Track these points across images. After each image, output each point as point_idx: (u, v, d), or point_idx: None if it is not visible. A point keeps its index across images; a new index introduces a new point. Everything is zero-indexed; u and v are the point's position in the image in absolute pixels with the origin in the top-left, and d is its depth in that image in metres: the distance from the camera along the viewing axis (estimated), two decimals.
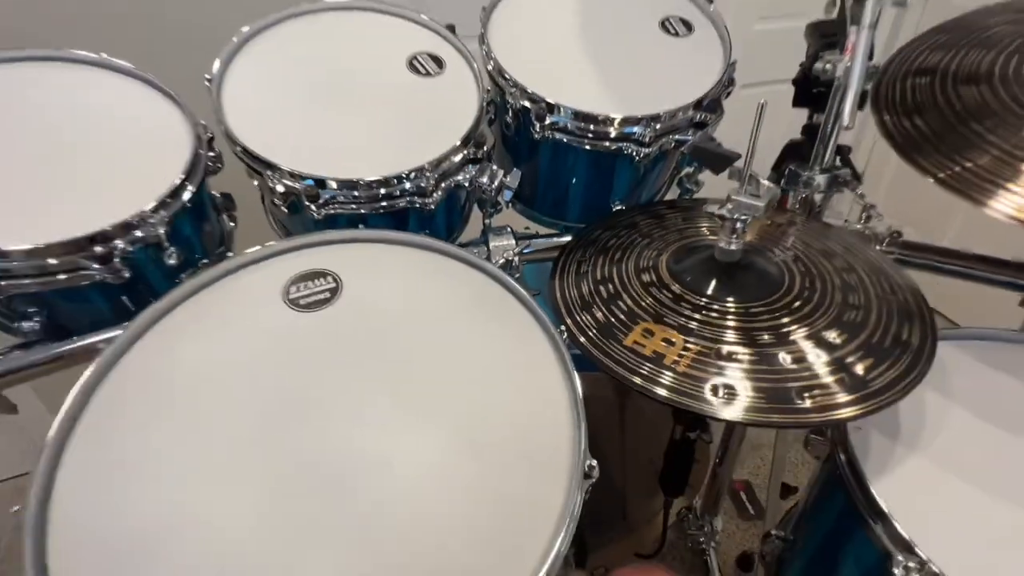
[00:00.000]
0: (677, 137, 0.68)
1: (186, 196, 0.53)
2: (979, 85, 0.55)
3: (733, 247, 0.50)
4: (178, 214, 0.53)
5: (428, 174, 0.59)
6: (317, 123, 0.61)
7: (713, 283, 0.51)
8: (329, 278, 0.48)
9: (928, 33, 0.66)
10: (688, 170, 0.78)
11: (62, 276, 0.48)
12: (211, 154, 0.59)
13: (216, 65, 0.62)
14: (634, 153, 0.68)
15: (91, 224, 0.47)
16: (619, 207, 0.75)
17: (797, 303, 0.49)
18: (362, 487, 0.36)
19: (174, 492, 0.35)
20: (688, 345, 0.45)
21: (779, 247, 0.57)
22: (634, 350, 0.45)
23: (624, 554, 1.02)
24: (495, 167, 0.67)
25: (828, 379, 0.42)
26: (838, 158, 0.75)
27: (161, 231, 0.51)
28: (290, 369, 0.42)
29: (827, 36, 0.74)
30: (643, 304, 0.50)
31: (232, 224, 0.71)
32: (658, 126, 0.66)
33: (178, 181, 0.52)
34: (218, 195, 0.67)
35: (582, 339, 0.46)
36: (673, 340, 0.46)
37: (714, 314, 0.48)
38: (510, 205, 0.76)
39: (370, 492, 0.36)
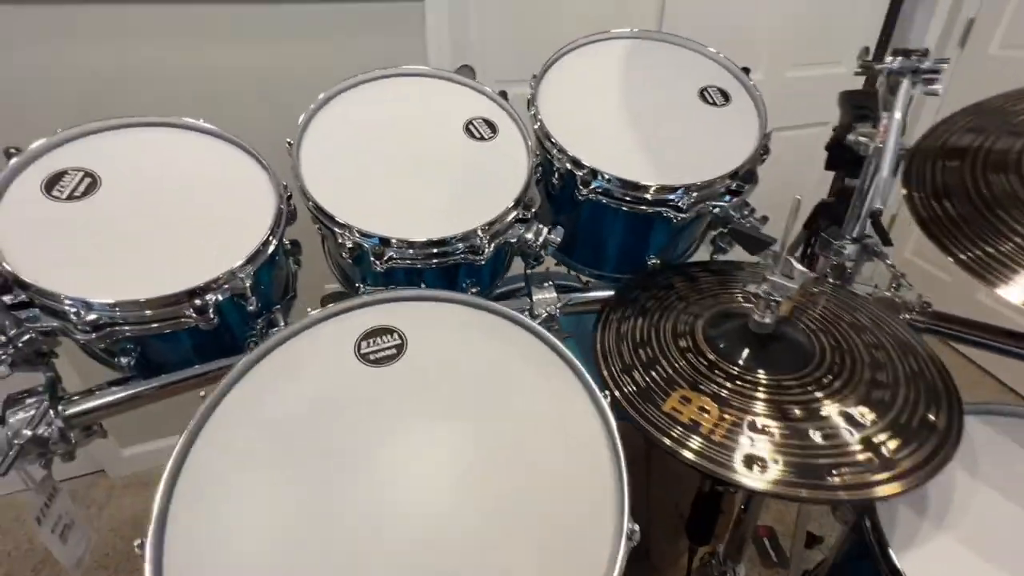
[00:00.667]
0: (712, 203, 0.73)
1: (269, 251, 0.60)
2: (1008, 174, 0.58)
3: (767, 320, 0.54)
4: (260, 267, 0.59)
5: (481, 235, 0.65)
6: (383, 183, 0.68)
7: (746, 352, 0.55)
8: (395, 335, 0.53)
9: (961, 113, 0.69)
10: (722, 230, 0.82)
11: (159, 324, 0.54)
12: (289, 209, 0.66)
13: (297, 129, 0.69)
14: (671, 217, 0.72)
15: (190, 279, 0.54)
16: (654, 261, 0.80)
17: (827, 378, 0.52)
18: (412, 538, 0.40)
19: (264, 524, 0.40)
20: (724, 416, 0.49)
21: (810, 317, 0.60)
22: (672, 416, 0.49)
23: None
24: (540, 225, 0.72)
25: (857, 457, 0.45)
26: (868, 222, 0.78)
27: (247, 284, 0.57)
28: (362, 419, 0.47)
29: (859, 108, 0.78)
30: (680, 369, 0.54)
31: (297, 267, 0.77)
32: (695, 194, 0.70)
33: (263, 239, 0.59)
34: (288, 243, 0.74)
35: (626, 404, 0.50)
36: (708, 409, 0.50)
37: (747, 384, 0.52)
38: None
39: (419, 544, 0.40)
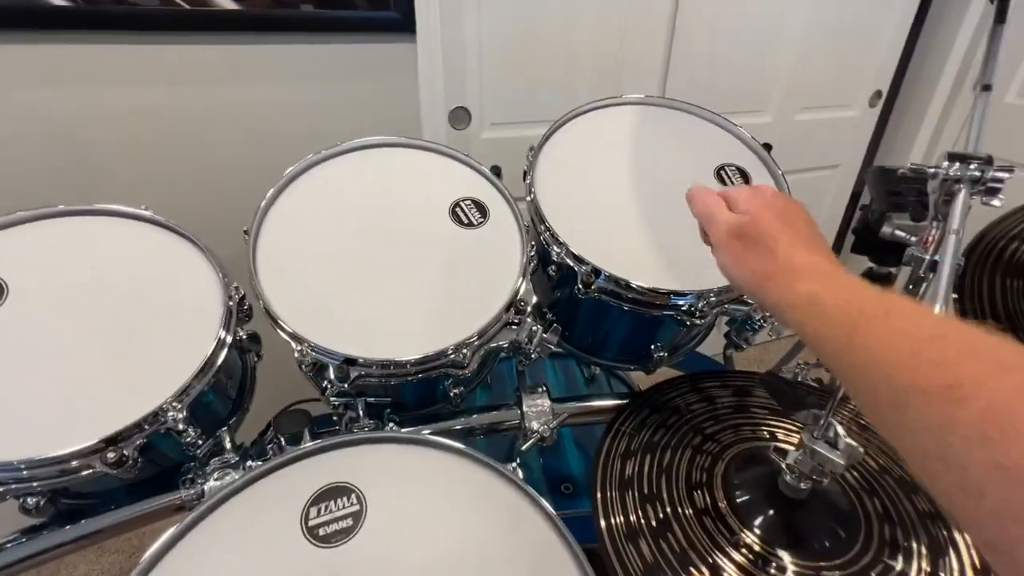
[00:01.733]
0: (729, 307, 0.64)
1: (209, 376, 0.50)
2: None
3: (801, 485, 0.45)
4: (200, 392, 0.50)
5: (464, 350, 0.56)
6: (351, 285, 0.58)
7: (765, 519, 0.45)
8: (353, 497, 0.44)
9: (1015, 214, 0.61)
10: (739, 328, 0.73)
11: (71, 477, 0.45)
12: (241, 312, 0.56)
13: (255, 214, 0.60)
14: (684, 320, 0.63)
15: (107, 422, 0.44)
16: (661, 354, 0.71)
17: (878, 561, 0.42)
18: None
19: None
20: None
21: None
22: None
23: None
24: (534, 326, 0.63)
25: None
26: None
27: (180, 420, 0.47)
28: None
29: (893, 194, 0.70)
30: (695, 539, 0.45)
31: (257, 359, 0.68)
32: (712, 298, 0.61)
33: (202, 364, 0.49)
34: (243, 335, 0.64)
35: None
36: None
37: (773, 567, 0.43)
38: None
39: None
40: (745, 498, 0.47)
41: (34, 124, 0.91)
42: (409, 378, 0.56)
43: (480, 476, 0.47)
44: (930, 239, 0.55)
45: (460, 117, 1.30)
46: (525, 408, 0.65)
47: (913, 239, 0.57)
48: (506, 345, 0.62)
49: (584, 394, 0.82)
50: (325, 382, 0.60)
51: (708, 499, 0.48)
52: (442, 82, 1.19)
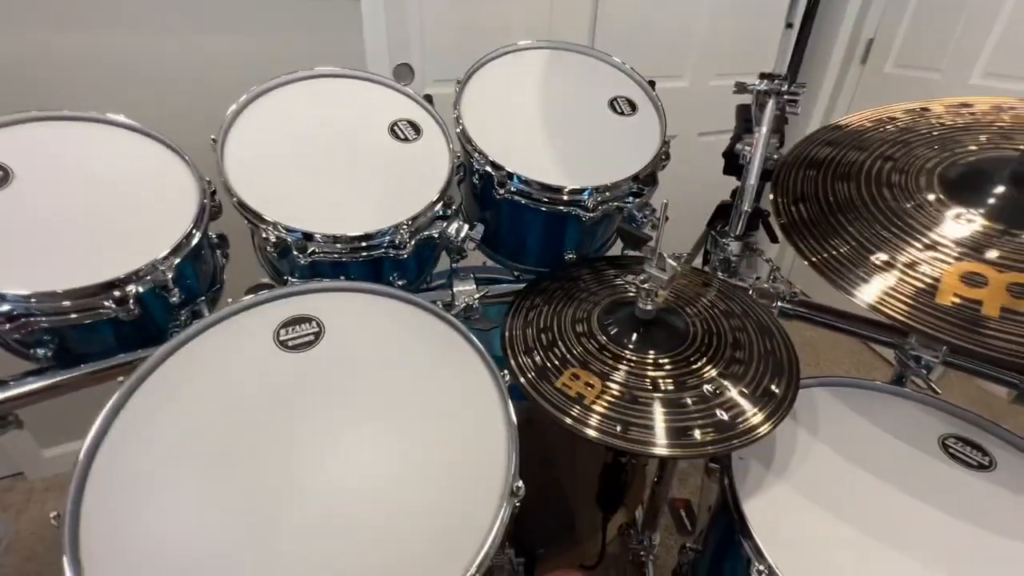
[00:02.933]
0: (617, 204, 0.81)
1: (192, 243, 0.62)
2: (849, 183, 0.68)
3: (649, 307, 0.62)
4: (183, 259, 0.62)
5: (403, 231, 0.70)
6: (307, 181, 0.71)
7: (633, 336, 0.63)
8: (313, 323, 0.58)
9: (823, 129, 0.80)
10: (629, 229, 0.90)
11: (78, 315, 0.56)
12: (213, 205, 0.68)
13: (221, 126, 0.71)
14: (581, 215, 0.79)
15: (110, 270, 0.56)
16: (571, 255, 0.87)
17: (695, 355, 0.60)
18: (326, 498, 0.45)
19: (179, 502, 0.43)
20: (605, 389, 0.56)
21: (692, 306, 0.69)
22: (562, 391, 0.56)
23: (571, 565, 1.12)
24: (461, 222, 0.78)
25: (716, 418, 0.53)
26: (759, 222, 0.88)
27: (169, 276, 0.59)
28: (278, 400, 0.51)
29: (747, 120, 0.88)
30: (574, 352, 0.61)
31: (224, 260, 0.79)
32: (603, 195, 0.78)
33: (186, 232, 0.61)
34: (214, 236, 0.76)
35: (522, 379, 0.56)
36: (593, 384, 0.57)
37: (631, 363, 0.60)
38: (477, 248, 0.86)
39: (333, 500, 0.45)
40: (612, 323, 0.64)
41: None
42: (357, 256, 0.70)
43: (412, 310, 0.61)
44: (754, 142, 0.73)
45: (403, 74, 1.42)
46: (455, 289, 0.80)
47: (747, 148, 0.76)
48: (437, 236, 0.76)
49: None
50: (286, 267, 0.73)
51: (586, 328, 0.64)
52: (385, 39, 1.31)
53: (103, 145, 0.65)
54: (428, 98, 0.85)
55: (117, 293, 0.55)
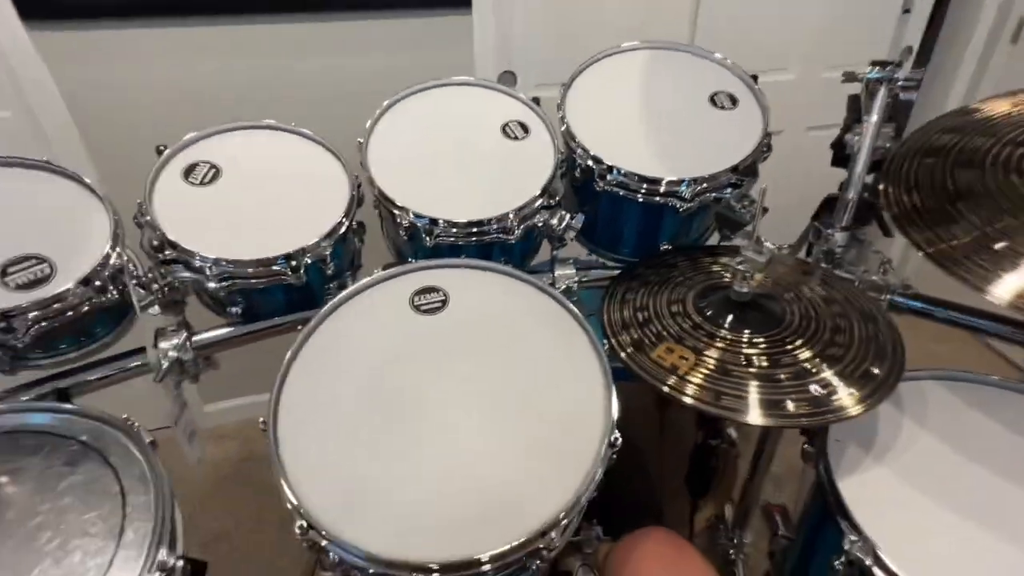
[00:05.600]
0: (715, 195, 0.83)
1: (343, 228, 0.76)
2: (974, 169, 0.66)
3: (744, 290, 0.65)
4: (336, 240, 0.76)
5: (512, 219, 0.78)
6: (433, 175, 0.82)
7: (729, 317, 0.66)
8: (440, 292, 0.68)
9: (948, 115, 0.77)
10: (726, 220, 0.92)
11: (262, 280, 0.71)
12: (359, 196, 0.82)
13: (365, 131, 0.85)
14: (678, 206, 0.83)
15: (286, 245, 0.71)
16: (665, 246, 0.91)
17: (792, 337, 0.62)
18: (453, 429, 0.55)
19: (342, 427, 0.55)
20: (699, 362, 0.60)
21: (792, 292, 0.70)
22: (657, 362, 0.61)
23: None
24: (564, 212, 0.85)
25: (810, 395, 0.56)
26: (872, 215, 0.86)
27: (327, 252, 0.73)
28: (415, 353, 0.62)
29: (858, 110, 0.86)
30: (669, 329, 0.66)
31: (360, 243, 0.94)
32: (700, 186, 0.81)
33: (339, 219, 0.75)
34: (355, 223, 0.90)
35: (622, 354, 0.62)
36: (686, 357, 0.61)
37: (727, 341, 0.63)
38: (575, 240, 0.93)
39: (457, 432, 0.55)
40: (707, 304, 0.68)
41: (182, 90, 1.22)
42: (472, 240, 0.80)
43: (524, 286, 0.70)
44: (864, 129, 0.73)
45: (508, 80, 1.53)
46: (556, 272, 0.87)
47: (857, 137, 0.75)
48: (541, 224, 0.84)
49: None
50: (410, 250, 0.85)
51: (681, 308, 0.69)
52: (492, 48, 1.42)
53: (282, 147, 0.81)
54: (536, 100, 0.93)
55: (293, 262, 0.69)
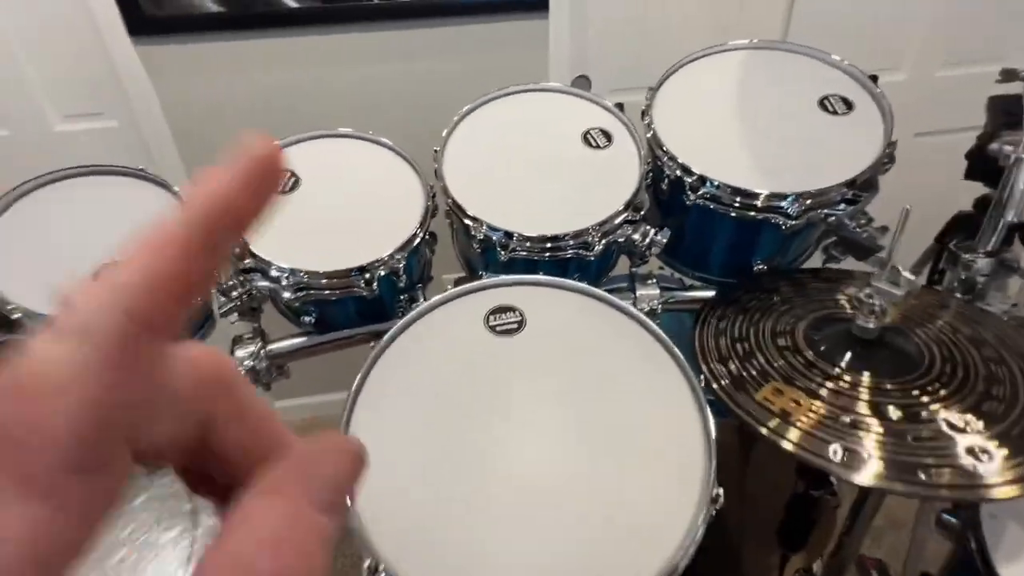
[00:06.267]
0: (827, 211, 0.73)
1: (417, 241, 0.73)
2: None
3: (870, 325, 0.55)
4: (409, 252, 0.73)
5: (592, 234, 0.73)
6: (510, 186, 0.78)
7: (848, 355, 0.56)
8: (516, 312, 0.63)
9: None
10: (834, 239, 0.81)
11: (335, 291, 0.70)
12: (432, 206, 0.79)
13: (441, 139, 0.82)
14: (781, 223, 0.74)
15: (360, 258, 0.69)
16: (761, 267, 0.81)
17: (934, 386, 0.52)
18: (526, 470, 0.49)
19: (412, 448, 0.52)
20: (814, 408, 0.52)
21: (924, 328, 0.60)
22: (764, 406, 0.53)
23: None
24: (648, 227, 0.79)
25: (960, 461, 0.46)
26: (1017, 237, 0.73)
27: (400, 265, 0.71)
28: (488, 376, 0.58)
29: (1010, 114, 0.73)
30: (775, 365, 0.58)
31: (431, 254, 0.91)
32: (807, 202, 0.72)
33: (414, 231, 0.72)
34: (428, 234, 0.88)
35: (715, 386, 0.55)
36: (800, 402, 0.53)
37: (844, 384, 0.54)
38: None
39: (530, 475, 0.49)
40: (823, 339, 0.59)
41: (271, 100, 1.26)
42: (548, 255, 0.75)
43: (606, 308, 0.64)
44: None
45: (582, 85, 1.47)
46: (638, 292, 0.80)
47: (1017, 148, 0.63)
48: (623, 240, 0.78)
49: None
50: (482, 263, 0.81)
51: (790, 341, 0.60)
52: (568, 52, 1.37)
53: (360, 156, 0.80)
54: (619, 106, 0.87)
55: (367, 275, 0.67)
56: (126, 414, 0.11)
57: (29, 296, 0.58)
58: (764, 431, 0.51)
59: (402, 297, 0.78)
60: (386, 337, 0.60)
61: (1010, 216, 0.57)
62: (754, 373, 0.57)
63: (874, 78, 0.81)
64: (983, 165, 0.75)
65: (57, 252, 0.63)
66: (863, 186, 0.72)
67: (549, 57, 1.36)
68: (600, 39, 1.40)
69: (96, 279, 0.12)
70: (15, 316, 0.58)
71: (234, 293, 0.69)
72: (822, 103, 0.81)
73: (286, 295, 0.67)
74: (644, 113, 0.84)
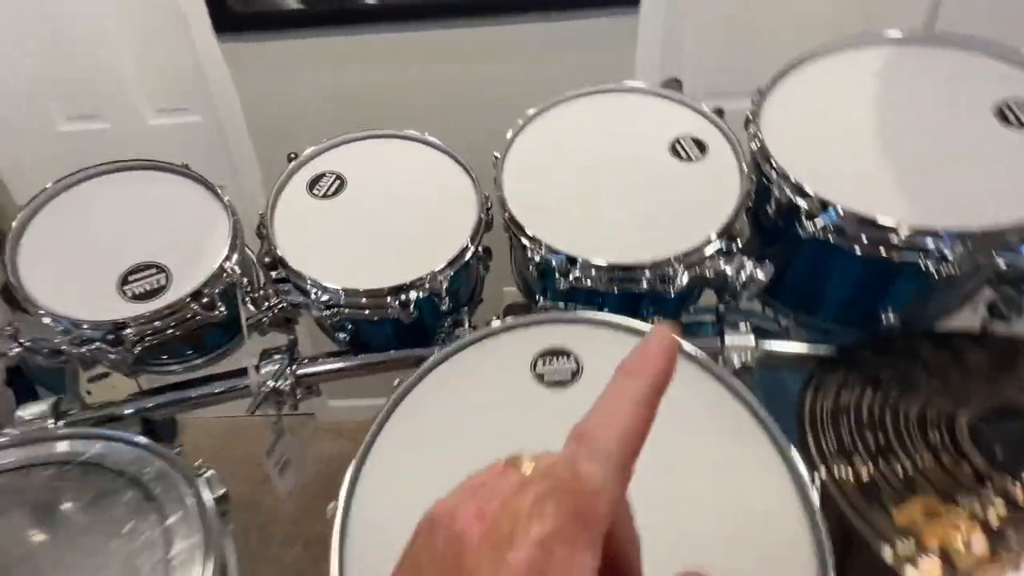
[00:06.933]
0: (999, 258, 0.55)
1: (466, 257, 0.64)
2: None
3: None
4: (456, 269, 0.64)
5: (674, 266, 0.59)
6: (578, 201, 0.67)
7: None
8: (572, 359, 0.52)
9: None
10: (1009, 291, 0.62)
11: (370, 311, 0.62)
12: (488, 219, 0.69)
13: (504, 144, 0.72)
14: (931, 268, 0.56)
15: (399, 276, 0.60)
16: (892, 320, 0.64)
17: None
18: None
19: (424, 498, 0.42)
20: (997, 552, 0.36)
21: None
22: (910, 531, 0.38)
23: None
24: (745, 259, 0.64)
25: None
26: None
27: (444, 285, 0.62)
28: (530, 437, 0.46)
29: None
30: (926, 471, 0.41)
31: (485, 271, 0.82)
32: (970, 243, 0.54)
33: (463, 246, 0.63)
34: (480, 249, 0.78)
35: (840, 498, 0.40)
36: (966, 533, 0.37)
37: None
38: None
39: None
40: (1000, 441, 0.42)
41: (341, 98, 1.23)
42: (617, 287, 0.62)
43: (688, 366, 0.51)
44: None
45: (673, 88, 1.32)
46: (728, 341, 0.65)
47: None
48: (712, 275, 0.63)
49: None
50: (540, 287, 0.70)
51: (947, 438, 0.44)
52: (659, 51, 1.23)
53: (410, 159, 0.73)
54: (719, 112, 0.73)
55: (402, 297, 0.59)
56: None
57: (57, 293, 0.56)
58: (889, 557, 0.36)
59: (447, 319, 0.69)
60: (412, 378, 0.51)
61: None
62: (893, 479, 0.41)
63: None
64: None
65: (91, 247, 0.60)
66: None
67: (636, 56, 1.23)
68: (698, 37, 1.24)
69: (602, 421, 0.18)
70: (44, 320, 0.55)
71: (265, 304, 0.63)
72: (1000, 112, 0.61)
73: (315, 313, 0.60)
74: (749, 121, 0.69)
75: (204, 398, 0.65)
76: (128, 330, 0.54)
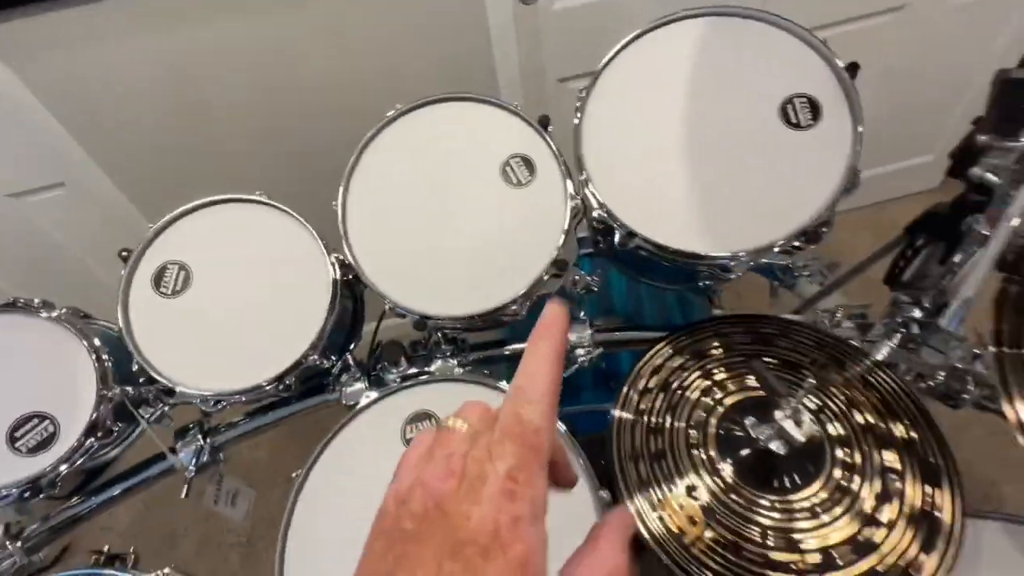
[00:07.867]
0: (766, 262, 0.66)
1: (330, 325, 0.68)
2: None
3: (781, 452, 0.53)
4: (324, 343, 0.69)
5: (517, 304, 0.67)
6: (420, 247, 0.70)
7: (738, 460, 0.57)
8: (434, 420, 0.63)
9: None
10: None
11: (252, 401, 0.70)
12: (344, 279, 0.72)
13: (340, 192, 0.71)
14: (719, 274, 0.67)
15: (272, 366, 0.66)
16: (707, 283, 0.76)
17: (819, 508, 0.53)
18: None
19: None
20: (709, 531, 0.54)
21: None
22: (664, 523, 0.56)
23: None
24: (578, 273, 0.73)
25: None
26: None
27: (316, 359, 0.68)
28: None
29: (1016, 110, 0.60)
30: (677, 455, 0.58)
31: (360, 305, 0.84)
32: (743, 258, 0.64)
33: (324, 318, 0.67)
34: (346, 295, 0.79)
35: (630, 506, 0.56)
36: (696, 520, 0.55)
37: (742, 500, 0.55)
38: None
39: None
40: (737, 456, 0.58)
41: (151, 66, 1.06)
42: (473, 326, 0.71)
43: None
44: (991, 218, 0.52)
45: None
46: (572, 337, 0.77)
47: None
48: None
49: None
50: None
51: (701, 438, 0.60)
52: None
53: (249, 226, 0.71)
54: (543, 121, 0.72)
55: (280, 385, 0.66)
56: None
57: None
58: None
59: (333, 369, 0.76)
60: (303, 470, 0.62)
61: (968, 292, 0.50)
62: (660, 478, 0.58)
63: (852, 68, 0.65)
64: (967, 166, 0.65)
65: None
66: (810, 237, 0.63)
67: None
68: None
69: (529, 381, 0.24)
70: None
71: (159, 404, 0.69)
72: (783, 110, 0.66)
73: (205, 410, 0.67)
74: (574, 131, 0.69)
75: (131, 490, 0.73)
76: (43, 480, 0.60)
